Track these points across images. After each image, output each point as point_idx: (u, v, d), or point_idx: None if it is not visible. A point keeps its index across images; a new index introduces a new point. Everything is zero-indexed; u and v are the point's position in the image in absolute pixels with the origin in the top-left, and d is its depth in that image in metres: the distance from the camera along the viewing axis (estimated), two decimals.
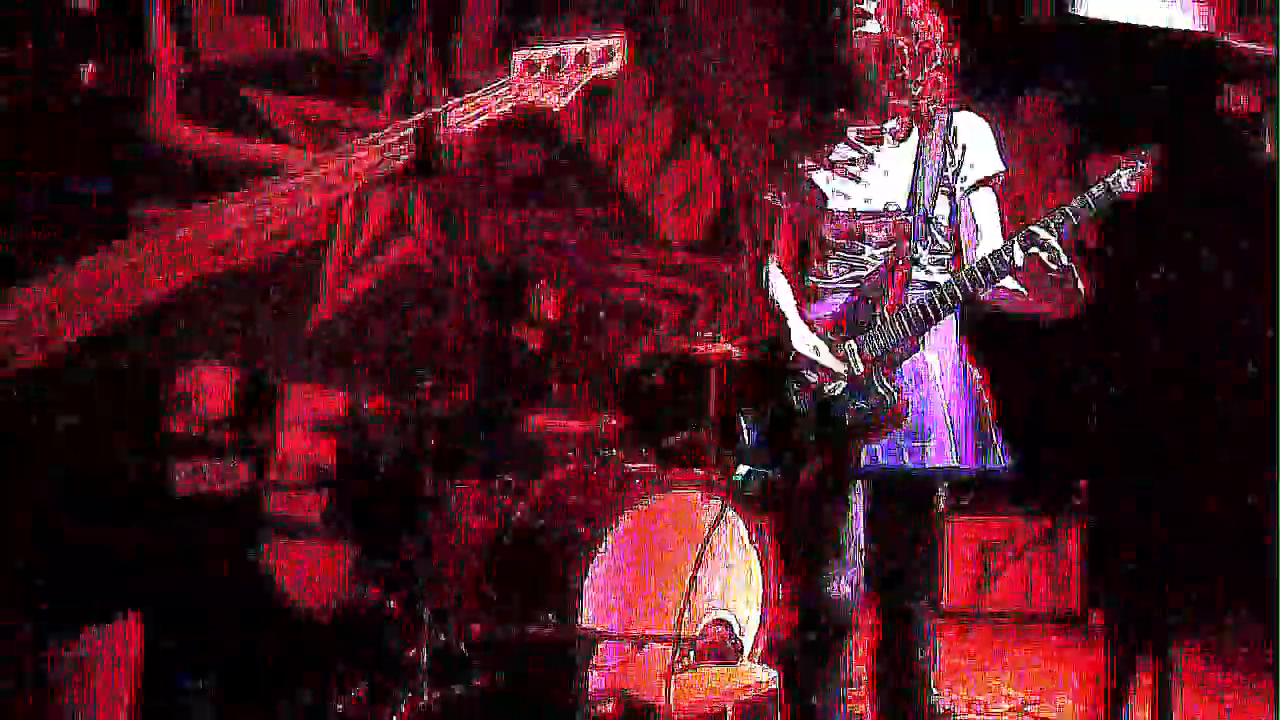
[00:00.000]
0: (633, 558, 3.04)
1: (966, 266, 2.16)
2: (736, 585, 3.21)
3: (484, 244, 4.20)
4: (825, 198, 2.31)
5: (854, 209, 2.29)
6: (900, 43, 2.21)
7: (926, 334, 2.20)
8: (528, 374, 3.65)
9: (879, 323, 2.20)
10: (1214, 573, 3.61)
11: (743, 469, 2.23)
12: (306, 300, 4.08)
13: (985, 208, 2.27)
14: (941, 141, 2.26)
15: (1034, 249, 2.00)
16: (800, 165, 2.34)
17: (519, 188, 4.42)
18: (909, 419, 2.14)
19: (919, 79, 2.24)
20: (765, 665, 3.15)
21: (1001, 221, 2.27)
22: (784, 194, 2.39)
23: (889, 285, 2.21)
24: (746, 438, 2.27)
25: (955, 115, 2.29)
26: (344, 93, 4.08)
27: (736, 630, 3.19)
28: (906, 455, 2.15)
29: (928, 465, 2.16)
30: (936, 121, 2.26)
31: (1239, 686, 3.54)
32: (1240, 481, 3.94)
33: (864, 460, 2.15)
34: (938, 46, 2.26)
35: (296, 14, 4.04)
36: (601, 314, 4.20)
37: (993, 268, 2.07)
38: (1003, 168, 2.29)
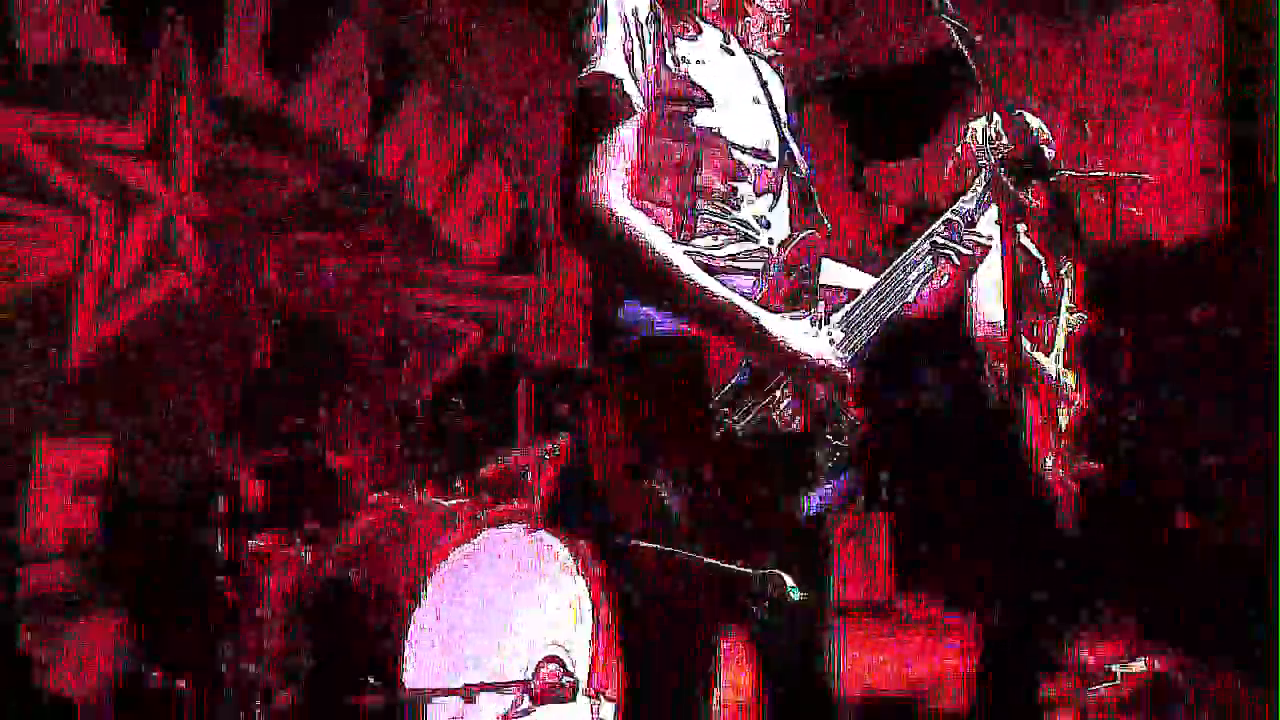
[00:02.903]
0: (455, 605, 2.84)
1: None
2: (562, 617, 3.08)
3: (262, 272, 3.85)
4: (708, 101, 1.46)
5: (732, 140, 1.50)
6: None
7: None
8: (330, 413, 3.36)
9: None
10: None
11: (814, 497, 1.50)
12: (57, 341, 3.58)
13: None
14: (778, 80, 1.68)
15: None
16: (666, 39, 1.48)
17: (296, 208, 4.08)
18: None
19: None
20: (604, 698, 3.03)
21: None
22: (644, 78, 1.44)
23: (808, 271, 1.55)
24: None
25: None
26: (88, 107, 3.61)
27: (569, 665, 3.06)
28: (816, 500, 1.55)
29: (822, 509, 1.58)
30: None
31: None
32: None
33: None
34: None
35: (26, 18, 3.53)
36: (403, 342, 3.94)
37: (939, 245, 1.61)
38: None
